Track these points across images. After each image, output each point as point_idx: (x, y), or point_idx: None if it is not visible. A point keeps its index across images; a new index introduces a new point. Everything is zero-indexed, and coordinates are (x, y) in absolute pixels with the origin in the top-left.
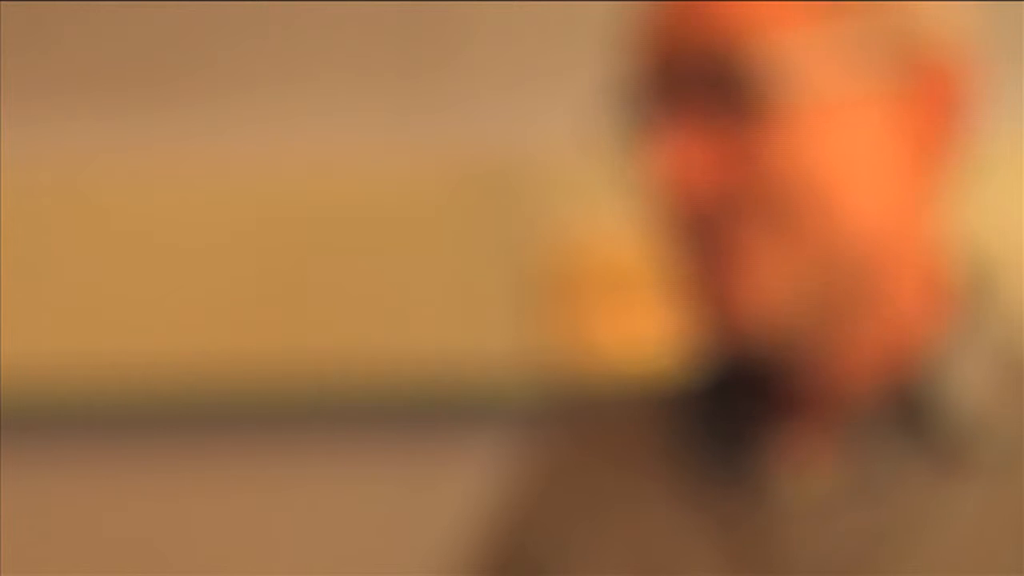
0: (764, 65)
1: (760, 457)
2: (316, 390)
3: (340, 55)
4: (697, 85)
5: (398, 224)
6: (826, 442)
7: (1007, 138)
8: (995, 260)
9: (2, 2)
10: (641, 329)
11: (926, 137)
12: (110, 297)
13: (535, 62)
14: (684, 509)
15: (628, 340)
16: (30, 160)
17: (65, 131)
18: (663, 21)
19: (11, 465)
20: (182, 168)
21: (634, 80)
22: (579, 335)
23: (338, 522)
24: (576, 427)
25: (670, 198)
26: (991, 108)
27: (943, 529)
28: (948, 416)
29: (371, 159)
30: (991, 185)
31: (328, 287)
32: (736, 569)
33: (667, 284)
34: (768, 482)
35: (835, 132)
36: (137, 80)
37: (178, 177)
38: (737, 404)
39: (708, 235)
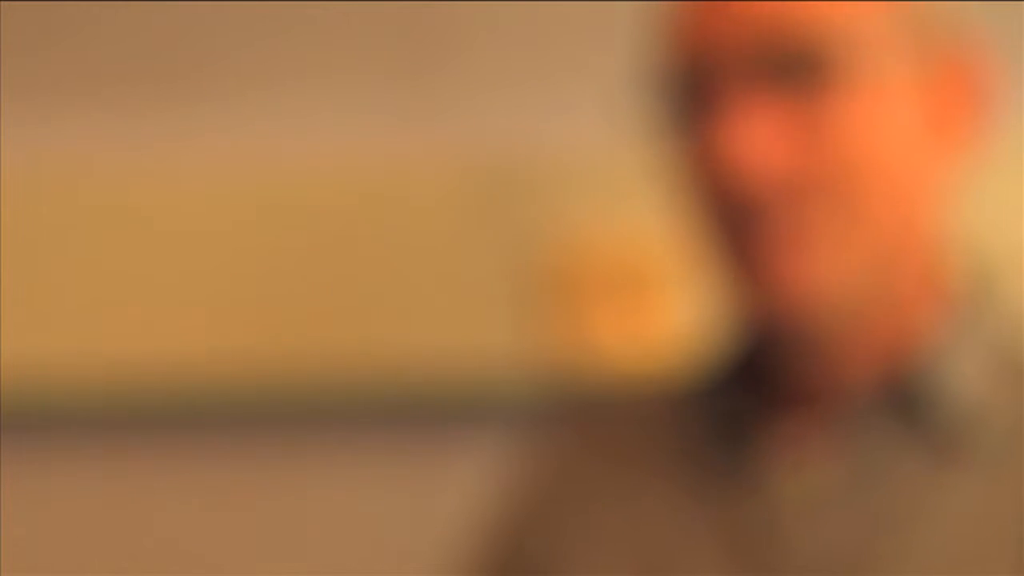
0: (843, 43)
1: (759, 452)
2: (316, 390)
3: (341, 55)
4: (758, 65)
5: (399, 223)
6: (824, 435)
7: (1007, 137)
8: (996, 258)
9: (2, 2)
10: (642, 328)
11: (947, 122)
12: (110, 297)
13: (537, 61)
14: (684, 506)
15: (629, 339)
16: (30, 160)
17: (65, 131)
18: (710, 8)
19: (11, 465)
20: (182, 167)
21: (670, 68)
22: (580, 334)
23: (338, 522)
24: (576, 426)
25: (728, 181)
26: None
27: (940, 520)
28: (945, 409)
29: (372, 159)
30: (993, 184)
31: (328, 286)
32: (737, 564)
33: (671, 293)
34: (767, 476)
35: (889, 113)
36: (137, 80)
37: (178, 176)
38: (736, 400)
39: (765, 217)
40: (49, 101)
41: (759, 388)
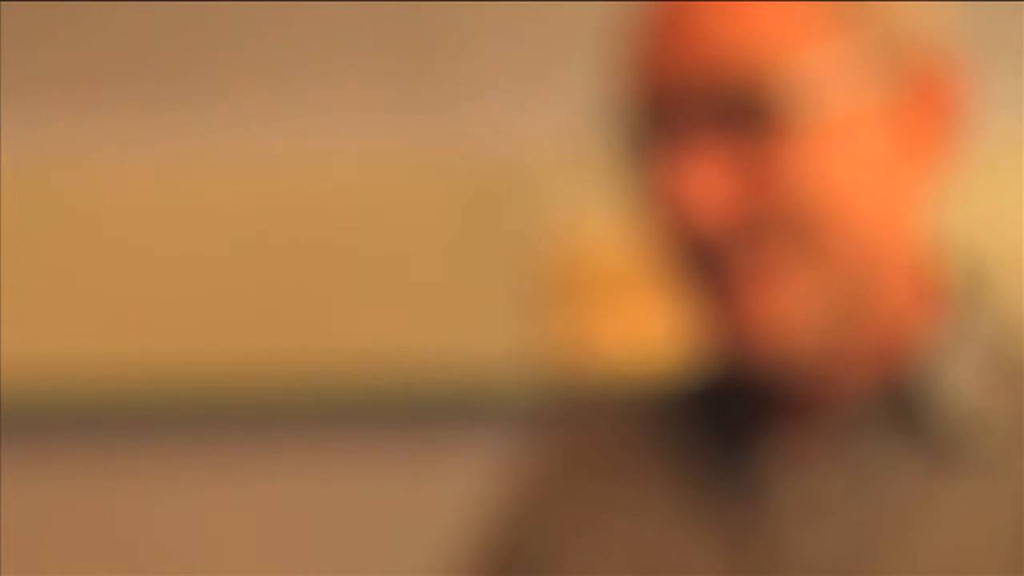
0: (786, 85)
1: (756, 456)
2: (316, 390)
3: (340, 55)
4: (706, 108)
5: (398, 225)
6: (821, 441)
7: (1005, 137)
8: (990, 259)
9: (2, 2)
10: (639, 330)
11: (919, 141)
12: (110, 297)
13: (535, 64)
14: (681, 509)
15: (627, 341)
16: (30, 160)
17: (66, 130)
18: (665, 45)
19: (11, 465)
20: (182, 168)
21: (632, 105)
22: (578, 336)
23: (338, 522)
24: (574, 428)
25: (682, 224)
26: (989, 107)
27: (937, 525)
28: (941, 413)
29: (371, 160)
30: (989, 184)
31: (328, 287)
32: (735, 568)
33: (670, 296)
34: (764, 481)
35: (845, 147)
36: (137, 79)
37: (178, 177)
38: (733, 404)
39: (724, 259)
40: (49, 101)
41: (756, 391)
